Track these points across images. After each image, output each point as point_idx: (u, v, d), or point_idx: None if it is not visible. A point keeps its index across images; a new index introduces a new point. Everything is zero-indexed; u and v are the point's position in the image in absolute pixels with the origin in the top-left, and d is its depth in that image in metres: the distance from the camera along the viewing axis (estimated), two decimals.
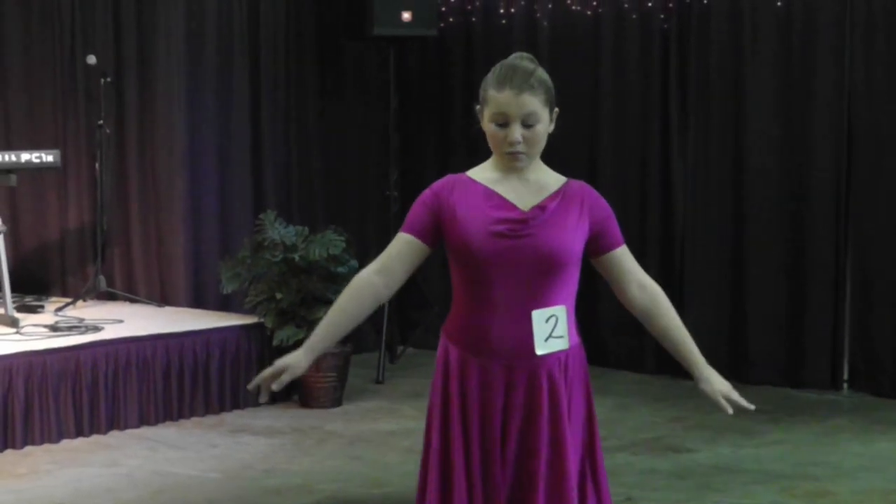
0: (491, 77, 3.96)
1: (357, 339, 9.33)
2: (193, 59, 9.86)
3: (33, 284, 10.16)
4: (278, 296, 8.75)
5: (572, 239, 3.92)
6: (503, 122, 3.90)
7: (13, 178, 9.05)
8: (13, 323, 8.62)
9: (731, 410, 3.96)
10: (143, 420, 8.33)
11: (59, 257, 10.42)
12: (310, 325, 8.68)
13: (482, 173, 4.04)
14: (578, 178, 10.91)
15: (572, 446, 4.02)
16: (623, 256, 4.05)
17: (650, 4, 9.92)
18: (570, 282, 3.98)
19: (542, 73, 3.97)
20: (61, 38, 10.16)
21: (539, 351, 3.91)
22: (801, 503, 6.69)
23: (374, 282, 4.12)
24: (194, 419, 8.55)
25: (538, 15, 10.41)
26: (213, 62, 9.97)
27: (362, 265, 9.38)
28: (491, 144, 3.99)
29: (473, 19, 10.75)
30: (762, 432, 8.16)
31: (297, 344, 8.58)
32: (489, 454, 3.97)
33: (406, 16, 9.91)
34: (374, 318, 9.82)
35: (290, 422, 8.53)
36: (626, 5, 10.02)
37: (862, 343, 9.26)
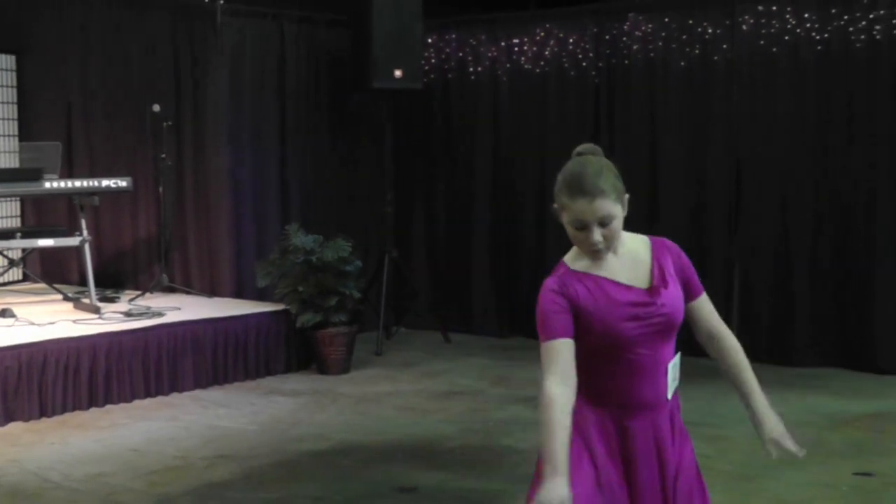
0: (561, 183, 3.40)
1: (361, 321, 9.30)
2: (234, 108, 9.84)
3: (112, 280, 10.14)
4: (300, 288, 8.73)
5: (680, 297, 3.48)
6: (581, 227, 3.33)
7: (96, 200, 9.07)
8: (96, 310, 8.60)
9: (774, 455, 3.48)
10: (197, 384, 8.32)
11: (132, 260, 10.40)
12: (325, 311, 8.67)
13: (581, 262, 3.43)
14: (530, 195, 10.87)
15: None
16: (702, 305, 3.60)
17: (585, 64, 9.92)
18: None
19: (607, 173, 3.37)
20: (133, 92, 10.13)
21: (669, 395, 3.51)
22: (704, 444, 6.66)
23: (567, 394, 3.33)
24: (236, 384, 8.52)
25: (499, 72, 10.41)
26: (250, 110, 9.95)
27: (365, 265, 9.46)
28: (573, 242, 3.41)
29: (450, 76, 10.74)
30: None
31: (316, 326, 8.69)
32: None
33: (398, 73, 9.89)
34: (374, 304, 9.84)
35: (310, 385, 8.51)
36: (566, 64, 10.02)
37: (746, 322, 9.25)
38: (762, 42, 9.06)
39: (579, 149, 3.52)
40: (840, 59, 8.80)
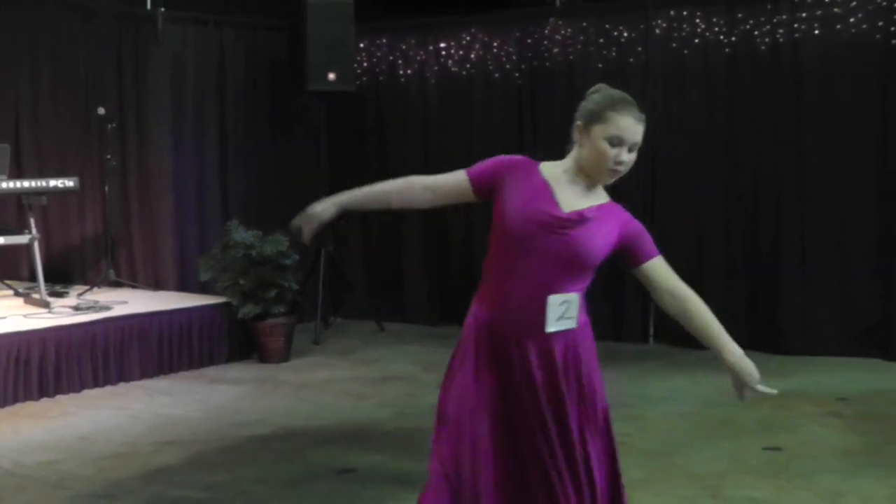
0: (605, 100, 3.47)
1: (300, 312, 9.27)
2: (176, 111, 9.80)
3: (60, 276, 10.02)
4: (241, 281, 8.68)
5: (599, 249, 3.41)
6: (617, 144, 3.37)
7: (44, 199, 8.95)
8: (46, 305, 8.50)
9: (743, 399, 3.45)
10: (144, 374, 8.24)
11: (80, 256, 10.28)
12: (265, 302, 8.64)
13: (551, 169, 3.50)
14: None
15: (581, 411, 3.59)
16: (654, 268, 3.54)
17: (508, 67, 9.96)
18: (587, 277, 3.48)
19: None
20: (79, 96, 10.02)
21: (549, 329, 3.40)
22: (622, 424, 6.69)
23: (420, 194, 3.54)
24: (181, 373, 8.46)
25: (428, 75, 10.41)
26: (191, 112, 9.91)
27: (302, 259, 9.42)
28: (594, 159, 3.42)
29: (381, 78, 10.72)
30: None
31: (256, 317, 8.66)
32: (502, 410, 3.49)
33: (332, 76, 9.87)
34: (312, 296, 9.81)
35: (252, 374, 8.47)
36: (490, 67, 10.05)
37: (662, 310, 9.33)
38: (674, 45, 9.15)
39: (602, 85, 3.61)
40: (746, 60, 8.90)
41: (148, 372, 8.29)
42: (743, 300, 8.99)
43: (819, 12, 8.61)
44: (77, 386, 7.82)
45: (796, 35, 8.69)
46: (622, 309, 9.41)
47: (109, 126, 9.49)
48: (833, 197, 8.70)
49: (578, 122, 3.51)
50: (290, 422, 7.00)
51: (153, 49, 9.69)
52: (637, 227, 3.53)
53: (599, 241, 3.43)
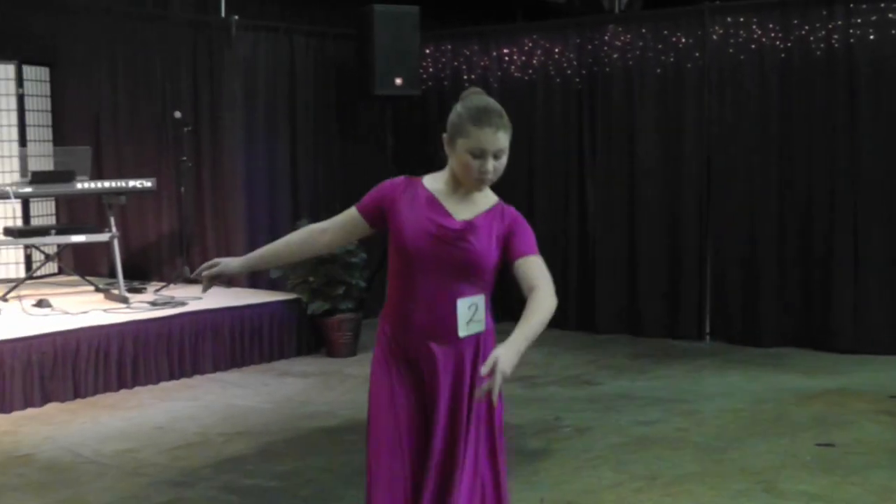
0: (465, 113, 3.42)
1: (366, 308, 9.30)
2: (249, 114, 9.85)
3: (138, 273, 10.14)
4: (311, 279, 8.74)
5: (489, 251, 3.36)
6: (479, 155, 3.34)
7: (123, 199, 9.06)
8: (125, 300, 8.61)
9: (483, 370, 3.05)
10: (217, 367, 8.33)
11: (156, 253, 10.39)
12: (334, 299, 8.68)
13: (434, 183, 3.48)
14: (519, 192, 10.90)
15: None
16: (526, 264, 3.36)
17: (569, 72, 9.93)
18: (488, 280, 3.42)
19: (504, 113, 3.42)
20: (156, 101, 10.13)
21: (461, 333, 3.39)
22: (677, 418, 6.71)
23: (317, 237, 3.64)
24: (252, 366, 8.54)
25: (491, 80, 10.40)
26: (263, 116, 9.96)
27: (369, 257, 9.44)
28: (461, 170, 3.39)
29: (446, 83, 10.73)
30: (650, 370, 8.18)
31: (325, 313, 8.70)
32: (418, 415, 3.47)
33: (398, 81, 9.90)
34: (379, 293, 9.81)
35: (319, 367, 8.52)
36: (552, 72, 10.03)
37: (718, 307, 9.28)
38: (731, 50, 9.08)
39: (473, 89, 3.58)
40: (801, 65, 8.82)
41: (220, 365, 8.37)
42: (796, 298, 8.90)
43: (874, 18, 8.50)
44: (153, 378, 7.91)
45: (851, 40, 8.60)
46: (678, 307, 9.36)
47: (185, 129, 9.58)
48: (886, 198, 8.59)
49: (444, 135, 3.46)
50: (356, 414, 7.03)
51: (226, 55, 9.77)
52: (519, 226, 3.42)
53: (488, 245, 3.39)
